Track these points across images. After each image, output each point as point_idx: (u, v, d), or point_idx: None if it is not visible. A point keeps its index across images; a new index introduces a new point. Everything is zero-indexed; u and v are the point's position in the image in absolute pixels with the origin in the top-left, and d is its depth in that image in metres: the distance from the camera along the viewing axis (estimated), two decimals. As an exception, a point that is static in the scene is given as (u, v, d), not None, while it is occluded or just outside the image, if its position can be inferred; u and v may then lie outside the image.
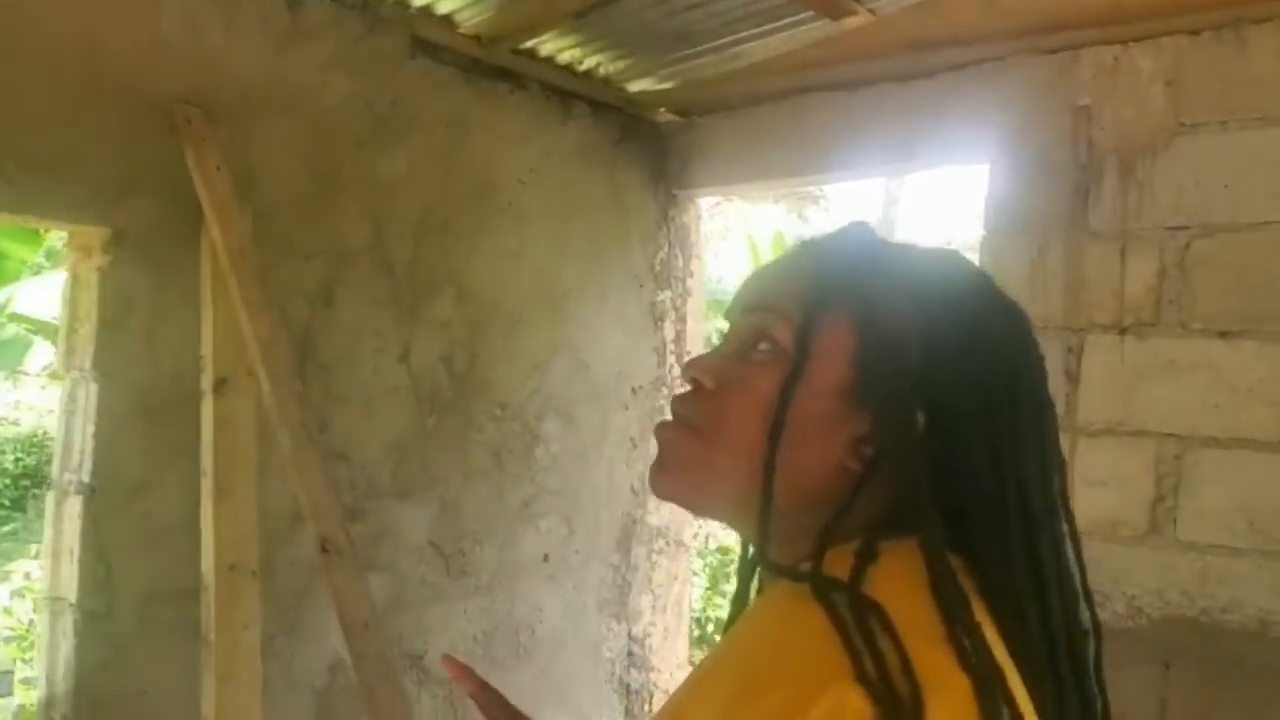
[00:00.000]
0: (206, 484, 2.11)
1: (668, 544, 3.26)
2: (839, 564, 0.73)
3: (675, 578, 3.29)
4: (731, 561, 6.94)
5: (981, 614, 0.73)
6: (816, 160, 2.88)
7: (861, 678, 0.64)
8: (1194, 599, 2.22)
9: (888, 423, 0.79)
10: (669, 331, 3.25)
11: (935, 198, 19.08)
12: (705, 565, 6.31)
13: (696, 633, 5.00)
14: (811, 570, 0.73)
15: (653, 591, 3.21)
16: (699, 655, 5.99)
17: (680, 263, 3.28)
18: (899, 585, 0.71)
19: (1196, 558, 2.22)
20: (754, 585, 0.97)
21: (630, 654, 3.15)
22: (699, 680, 0.76)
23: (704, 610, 5.65)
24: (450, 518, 2.72)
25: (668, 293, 3.24)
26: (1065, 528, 0.83)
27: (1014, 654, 0.74)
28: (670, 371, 3.25)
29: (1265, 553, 2.16)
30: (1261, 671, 2.14)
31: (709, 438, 0.84)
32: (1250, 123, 2.23)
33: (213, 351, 2.15)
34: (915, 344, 0.81)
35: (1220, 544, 2.20)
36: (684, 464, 0.85)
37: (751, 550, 0.94)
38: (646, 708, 3.17)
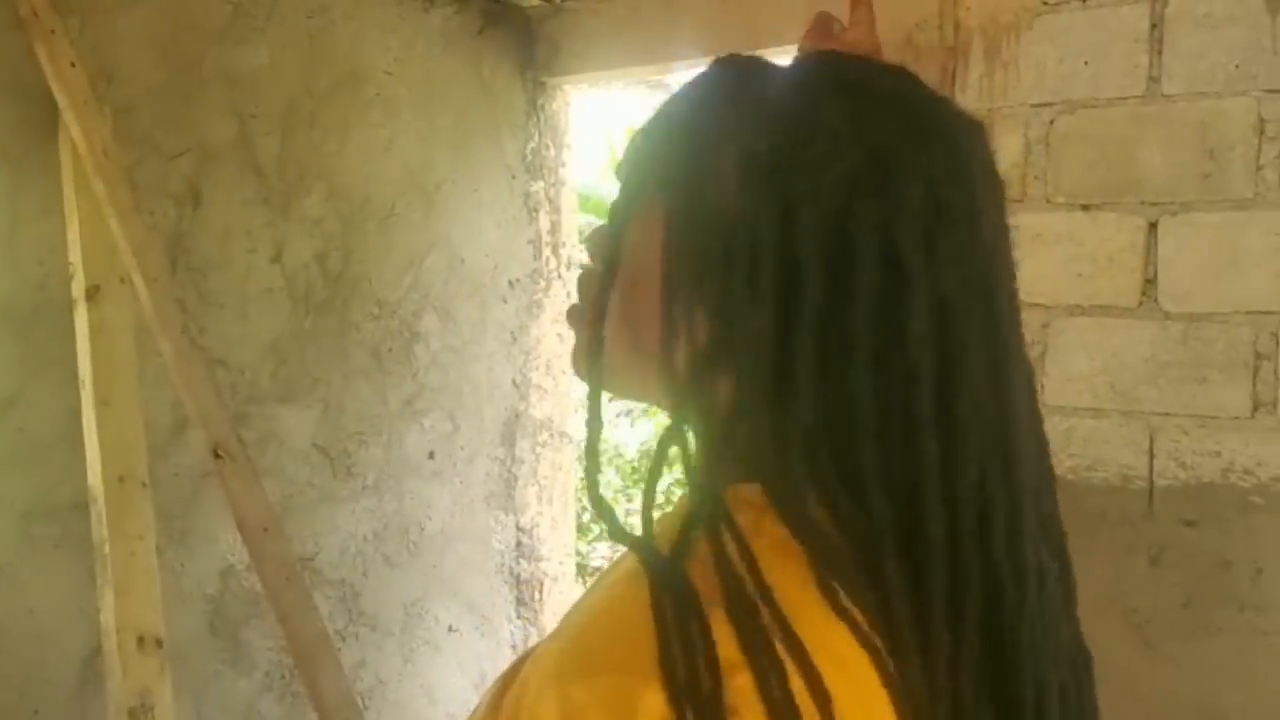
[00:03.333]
0: (86, 395, 2.04)
1: (551, 436, 3.29)
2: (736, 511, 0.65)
3: (559, 469, 3.33)
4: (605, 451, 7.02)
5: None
6: (689, 46, 2.86)
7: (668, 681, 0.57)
8: (1061, 459, 2.34)
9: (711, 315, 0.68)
10: (544, 223, 3.22)
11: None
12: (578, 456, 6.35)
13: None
14: (642, 538, 0.65)
15: (538, 483, 3.24)
16: (584, 545, 6.09)
17: (552, 153, 3.25)
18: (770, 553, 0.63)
19: (1063, 420, 2.34)
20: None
21: (519, 545, 3.19)
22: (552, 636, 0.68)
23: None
24: (333, 419, 2.69)
25: (540, 183, 3.21)
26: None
27: None
28: (546, 264, 3.24)
29: (1125, 413, 2.29)
30: (1122, 523, 2.29)
31: None
32: (1107, 1, 2.30)
33: (82, 258, 2.06)
34: (732, 209, 0.68)
35: (1085, 406, 2.32)
36: None
37: None
38: (536, 596, 3.22)
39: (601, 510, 0.69)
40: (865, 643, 0.61)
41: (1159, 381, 2.28)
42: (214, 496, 2.36)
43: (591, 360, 0.73)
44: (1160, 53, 2.26)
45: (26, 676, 2.14)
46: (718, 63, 0.78)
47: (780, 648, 0.58)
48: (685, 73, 3.52)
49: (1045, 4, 2.36)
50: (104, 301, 2.07)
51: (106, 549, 1.98)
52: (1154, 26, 2.25)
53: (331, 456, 2.68)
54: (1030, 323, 2.37)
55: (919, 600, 0.64)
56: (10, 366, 2.12)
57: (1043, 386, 2.37)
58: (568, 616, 0.68)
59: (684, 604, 0.59)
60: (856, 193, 0.65)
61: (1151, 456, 2.29)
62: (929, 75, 2.47)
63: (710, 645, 0.58)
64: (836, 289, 0.64)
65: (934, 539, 0.64)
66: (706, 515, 0.63)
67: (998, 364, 0.68)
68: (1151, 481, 2.28)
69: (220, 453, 1.93)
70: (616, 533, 0.67)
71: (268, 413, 2.55)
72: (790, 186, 0.66)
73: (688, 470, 0.67)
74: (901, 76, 0.74)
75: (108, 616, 1.98)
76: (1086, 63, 2.32)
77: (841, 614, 0.61)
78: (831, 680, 0.59)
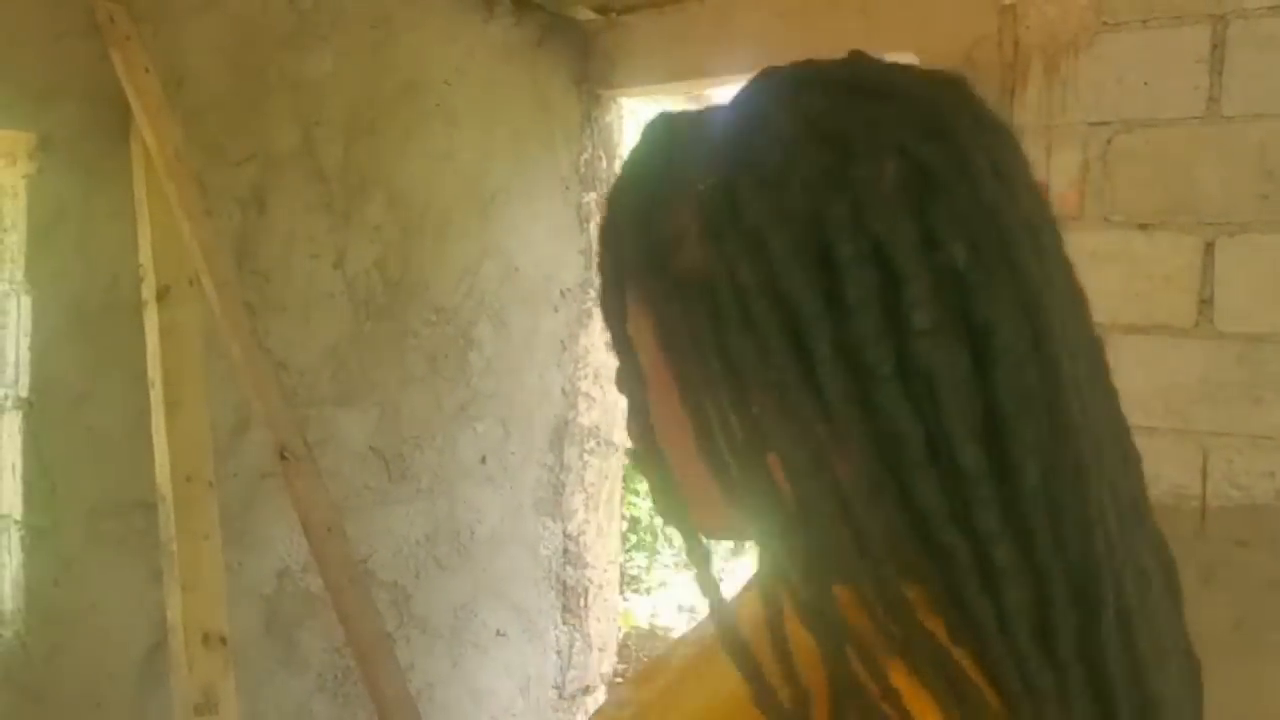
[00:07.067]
0: (155, 395, 2.08)
1: (598, 444, 3.31)
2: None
3: (606, 477, 3.35)
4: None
5: None
6: (743, 60, 2.88)
7: None
8: (1114, 477, 2.35)
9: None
10: (594, 233, 3.25)
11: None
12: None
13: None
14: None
15: (585, 490, 3.27)
16: (624, 554, 6.07)
17: (604, 164, 3.28)
18: None
19: (1117, 438, 2.34)
20: None
21: (566, 551, 3.21)
22: None
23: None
24: (390, 423, 2.73)
25: (592, 194, 3.25)
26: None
27: None
28: (596, 274, 3.26)
29: (1178, 431, 2.29)
30: (1173, 541, 2.27)
31: None
32: (1168, 21, 2.30)
33: (153, 260, 2.10)
34: (703, 269, 0.60)
35: (1138, 425, 2.29)
36: None
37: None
38: (582, 602, 3.25)
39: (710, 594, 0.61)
40: None
41: (1214, 401, 2.28)
42: (272, 498, 2.40)
43: (668, 498, 0.64)
44: (1221, 74, 2.26)
45: (90, 671, 2.18)
46: (649, 131, 0.70)
47: None
48: (736, 86, 3.53)
49: (1105, 23, 2.37)
50: (174, 303, 2.11)
51: (174, 547, 2.01)
52: (1215, 48, 2.25)
53: (387, 459, 2.72)
54: (1085, 340, 2.37)
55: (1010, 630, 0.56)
56: (80, 365, 2.16)
57: (1097, 404, 2.37)
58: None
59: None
60: (820, 194, 0.56)
61: (1205, 476, 2.29)
62: (988, 92, 2.48)
63: None
64: (832, 308, 0.55)
65: (1006, 563, 0.56)
66: (826, 632, 0.55)
67: (1040, 334, 0.57)
68: (1204, 501, 2.28)
69: (286, 454, 1.96)
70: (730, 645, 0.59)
71: (326, 415, 2.59)
72: (751, 217, 0.57)
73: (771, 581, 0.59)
74: (845, 61, 0.65)
75: (174, 614, 2.01)
76: (1146, 83, 2.32)
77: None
78: None
